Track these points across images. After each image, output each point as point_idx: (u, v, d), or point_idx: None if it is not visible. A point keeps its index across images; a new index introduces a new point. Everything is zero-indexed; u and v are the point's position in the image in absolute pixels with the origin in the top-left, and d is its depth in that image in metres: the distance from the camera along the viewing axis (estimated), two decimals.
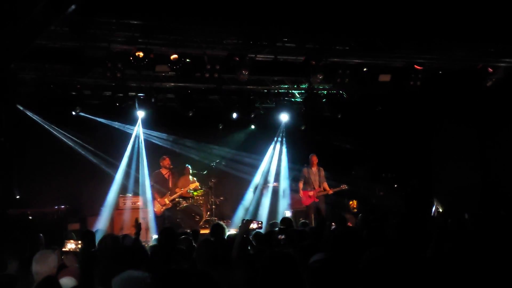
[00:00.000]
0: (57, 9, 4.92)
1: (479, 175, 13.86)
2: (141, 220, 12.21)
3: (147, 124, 14.16)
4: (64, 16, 6.51)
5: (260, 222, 7.12)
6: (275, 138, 15.43)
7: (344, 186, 13.72)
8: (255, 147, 15.45)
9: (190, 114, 12.88)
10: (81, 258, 5.90)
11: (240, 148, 15.38)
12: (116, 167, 13.71)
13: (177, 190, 13.15)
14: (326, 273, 3.86)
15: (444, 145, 14.40)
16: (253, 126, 15.04)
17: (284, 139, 15.37)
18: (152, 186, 13.08)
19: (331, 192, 13.58)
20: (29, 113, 12.43)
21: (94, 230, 9.73)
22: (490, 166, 13.68)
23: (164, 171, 12.96)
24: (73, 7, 4.70)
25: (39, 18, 4.79)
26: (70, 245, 6.39)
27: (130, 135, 14.27)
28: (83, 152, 13.70)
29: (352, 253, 4.73)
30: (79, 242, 6.49)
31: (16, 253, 5.72)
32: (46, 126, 13.01)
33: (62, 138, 13.49)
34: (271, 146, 15.44)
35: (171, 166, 13.08)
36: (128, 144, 14.13)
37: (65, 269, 5.71)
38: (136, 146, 14.23)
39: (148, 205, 13.12)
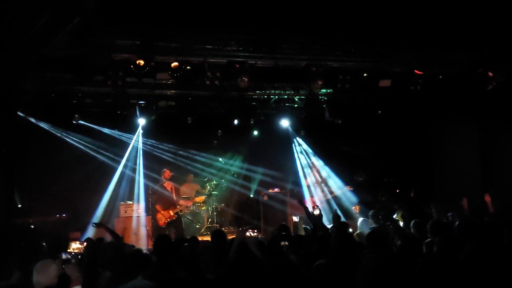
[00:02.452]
0: (59, 23, 4.94)
1: (480, 178, 13.84)
2: (142, 228, 12.38)
3: (147, 132, 14.20)
4: (68, 28, 6.53)
5: (255, 231, 7.19)
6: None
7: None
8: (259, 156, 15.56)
9: (189, 121, 12.91)
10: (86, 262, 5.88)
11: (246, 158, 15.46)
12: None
13: (181, 202, 13.17)
14: (327, 279, 3.85)
15: (445, 148, 14.39)
16: (255, 132, 15.03)
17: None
18: (153, 200, 13.12)
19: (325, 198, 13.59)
20: (30, 122, 12.45)
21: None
22: (491, 169, 13.65)
23: (166, 184, 13.00)
24: (75, 21, 4.71)
25: (42, 31, 4.81)
26: (75, 245, 6.41)
27: (130, 143, 14.34)
28: (84, 161, 13.76)
29: (352, 258, 4.73)
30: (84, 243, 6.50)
31: (20, 263, 5.70)
32: (47, 135, 13.04)
33: (63, 146, 13.54)
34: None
35: (172, 174, 13.13)
36: (127, 151, 14.19)
37: (74, 281, 5.69)
38: (135, 154, 14.29)
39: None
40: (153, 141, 14.62)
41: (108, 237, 7.61)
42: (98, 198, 13.56)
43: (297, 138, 15.52)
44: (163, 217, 12.69)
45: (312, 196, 13.63)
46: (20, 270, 5.52)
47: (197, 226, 14.12)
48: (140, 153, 14.32)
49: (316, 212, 7.59)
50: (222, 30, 10.03)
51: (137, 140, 14.31)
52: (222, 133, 14.71)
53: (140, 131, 14.08)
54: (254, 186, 15.39)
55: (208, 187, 14.80)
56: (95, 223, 7.60)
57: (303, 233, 9.18)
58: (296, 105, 14.12)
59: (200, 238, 9.78)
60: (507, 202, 10.76)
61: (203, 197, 13.79)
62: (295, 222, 13.39)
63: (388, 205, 13.32)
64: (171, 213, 12.75)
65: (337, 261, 4.53)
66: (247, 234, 7.88)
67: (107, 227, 7.08)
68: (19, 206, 12.53)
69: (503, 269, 4.28)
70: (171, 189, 13.04)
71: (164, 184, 12.97)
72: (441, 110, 13.88)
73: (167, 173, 13.08)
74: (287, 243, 6.62)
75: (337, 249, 5.51)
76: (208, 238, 11.56)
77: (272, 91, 13.44)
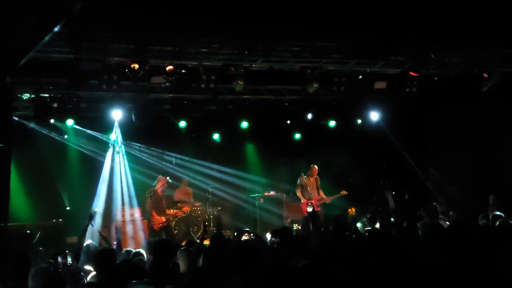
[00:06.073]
0: (48, 24, 4.94)
1: (476, 180, 13.86)
2: (140, 232, 12.38)
3: (143, 136, 14.16)
4: (57, 30, 6.52)
5: (252, 233, 7.18)
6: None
7: (344, 192, 13.69)
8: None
9: (184, 125, 12.93)
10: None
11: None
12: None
13: (167, 211, 13.24)
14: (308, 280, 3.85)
15: (441, 149, 14.41)
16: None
17: None
18: (148, 205, 13.12)
19: (329, 200, 13.59)
20: (25, 127, 12.40)
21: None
22: (487, 170, 13.67)
23: (159, 191, 13.06)
24: (63, 21, 4.70)
25: (30, 33, 4.80)
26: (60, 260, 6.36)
27: (127, 147, 14.33)
28: (81, 165, 13.74)
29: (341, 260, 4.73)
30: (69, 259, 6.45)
31: (15, 269, 5.65)
32: (42, 139, 12.99)
33: (59, 150, 13.52)
34: None
35: (166, 182, 13.23)
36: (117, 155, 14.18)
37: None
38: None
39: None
40: (147, 146, 14.59)
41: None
42: (96, 202, 13.53)
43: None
44: (156, 222, 12.79)
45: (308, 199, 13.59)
46: (16, 276, 5.47)
47: (194, 230, 14.09)
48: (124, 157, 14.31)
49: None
50: (216, 33, 10.04)
51: (127, 143, 14.31)
52: (218, 137, 14.71)
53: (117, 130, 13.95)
54: (249, 190, 15.35)
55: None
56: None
57: None
58: (291, 108, 14.08)
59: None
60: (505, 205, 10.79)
61: (187, 207, 13.85)
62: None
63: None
64: (163, 219, 12.90)
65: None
66: (244, 237, 7.86)
67: (101, 232, 7.04)
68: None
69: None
70: (162, 195, 13.13)
71: (157, 190, 13.02)
72: (436, 111, 13.90)
73: (161, 181, 13.15)
74: (277, 240, 6.62)
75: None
76: (205, 242, 11.52)
77: (268, 94, 13.41)
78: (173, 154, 14.85)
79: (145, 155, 14.55)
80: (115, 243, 8.50)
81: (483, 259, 4.38)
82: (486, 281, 3.98)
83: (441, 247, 5.42)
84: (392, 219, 10.73)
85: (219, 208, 14.79)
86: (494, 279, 4.02)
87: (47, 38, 6.84)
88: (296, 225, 13.21)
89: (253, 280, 3.56)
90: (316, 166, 13.81)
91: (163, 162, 14.61)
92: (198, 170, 14.96)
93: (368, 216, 12.48)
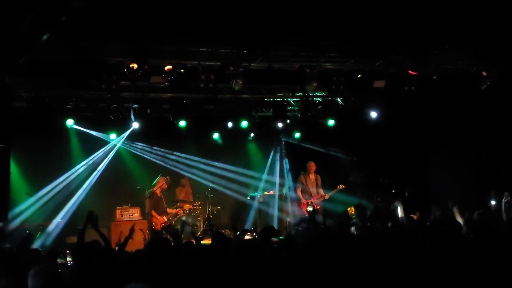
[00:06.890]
0: (46, 22, 4.93)
1: (476, 178, 13.85)
2: (139, 232, 12.36)
3: (141, 136, 14.17)
4: (55, 29, 6.52)
5: (254, 233, 7.19)
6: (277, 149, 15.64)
7: (341, 186, 13.72)
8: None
9: (183, 125, 12.95)
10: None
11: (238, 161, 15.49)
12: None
13: (169, 210, 13.23)
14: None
15: (441, 148, 14.41)
16: (252, 134, 15.12)
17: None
18: (148, 205, 13.13)
19: (327, 197, 13.60)
20: (24, 126, 12.39)
21: None
22: (487, 169, 13.67)
23: (158, 191, 13.06)
24: (62, 19, 4.69)
25: (28, 32, 4.80)
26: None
27: (126, 146, 14.37)
28: (81, 165, 13.76)
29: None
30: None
31: (8, 268, 5.66)
32: (42, 139, 13.00)
33: (58, 150, 13.53)
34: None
35: (167, 182, 13.22)
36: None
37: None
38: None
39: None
40: (147, 145, 14.62)
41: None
42: (94, 202, 13.54)
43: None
44: (158, 222, 12.77)
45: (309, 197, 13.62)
46: (9, 276, 5.46)
47: (194, 229, 14.11)
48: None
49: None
50: (215, 33, 10.03)
51: (126, 142, 14.35)
52: (218, 137, 14.74)
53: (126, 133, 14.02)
54: (249, 189, 15.38)
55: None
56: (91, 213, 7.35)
57: None
58: (290, 107, 14.10)
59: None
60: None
61: (190, 205, 13.90)
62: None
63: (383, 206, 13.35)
64: (165, 218, 12.88)
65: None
66: (246, 237, 7.87)
67: (98, 229, 7.02)
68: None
69: None
70: (161, 195, 13.12)
71: (156, 190, 13.02)
72: (435, 110, 13.90)
73: (160, 181, 13.14)
74: (276, 239, 6.63)
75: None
76: (204, 241, 11.53)
77: (267, 94, 13.42)
78: (174, 153, 14.91)
79: (146, 155, 14.59)
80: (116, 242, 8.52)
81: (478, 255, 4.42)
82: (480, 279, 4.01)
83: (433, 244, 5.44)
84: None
85: (219, 207, 14.82)
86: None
87: (45, 37, 6.85)
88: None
89: (253, 279, 3.58)
90: (313, 162, 13.83)
91: (164, 161, 14.66)
92: (198, 169, 15.01)
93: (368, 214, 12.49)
